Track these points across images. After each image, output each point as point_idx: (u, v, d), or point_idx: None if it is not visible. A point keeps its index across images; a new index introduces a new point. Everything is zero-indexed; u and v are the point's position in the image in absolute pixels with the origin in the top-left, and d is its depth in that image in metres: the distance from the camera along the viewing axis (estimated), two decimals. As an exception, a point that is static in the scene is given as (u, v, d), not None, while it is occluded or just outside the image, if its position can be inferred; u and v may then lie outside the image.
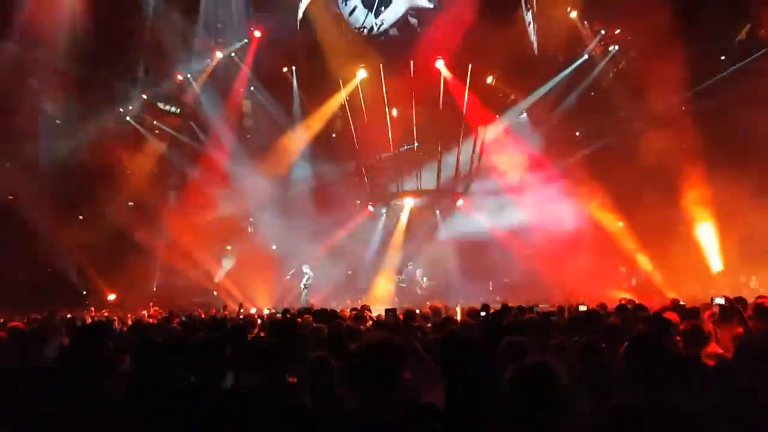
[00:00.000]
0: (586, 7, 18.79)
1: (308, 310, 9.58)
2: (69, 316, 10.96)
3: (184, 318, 9.78)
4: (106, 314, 13.95)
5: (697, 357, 3.96)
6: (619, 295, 13.57)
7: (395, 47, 19.32)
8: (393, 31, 19.83)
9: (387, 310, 7.47)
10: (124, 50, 18.17)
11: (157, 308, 15.39)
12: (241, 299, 17.81)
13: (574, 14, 19.12)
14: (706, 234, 16.52)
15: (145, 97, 20.18)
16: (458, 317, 8.60)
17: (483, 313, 7.89)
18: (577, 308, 8.60)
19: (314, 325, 5.78)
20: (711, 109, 15.70)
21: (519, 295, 16.09)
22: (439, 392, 3.13)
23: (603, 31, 19.41)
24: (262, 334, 6.84)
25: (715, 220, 16.17)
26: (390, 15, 19.48)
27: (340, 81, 20.41)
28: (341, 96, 20.83)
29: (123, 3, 18.05)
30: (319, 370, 3.67)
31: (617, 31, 19.23)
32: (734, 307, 6.39)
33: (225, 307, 14.73)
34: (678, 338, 4.82)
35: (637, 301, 9.30)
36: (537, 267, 18.11)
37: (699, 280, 15.86)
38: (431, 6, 19.20)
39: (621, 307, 7.67)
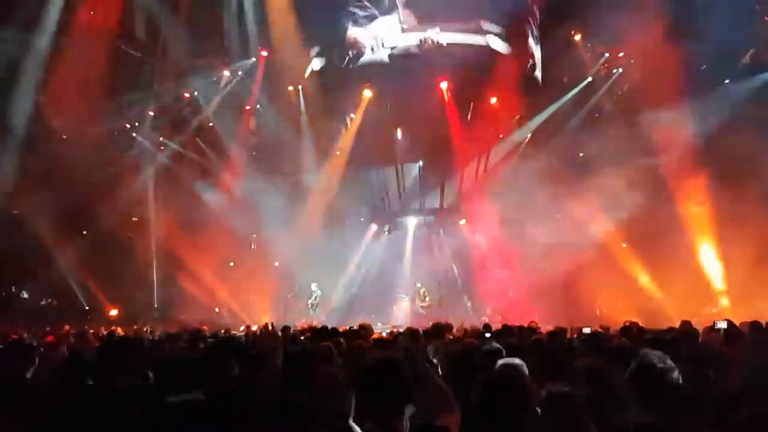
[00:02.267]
0: (589, 30, 18.95)
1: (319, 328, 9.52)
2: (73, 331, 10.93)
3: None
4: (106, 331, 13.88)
5: (702, 376, 3.94)
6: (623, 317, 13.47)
7: (401, 68, 19.43)
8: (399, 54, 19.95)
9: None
10: (132, 66, 18.33)
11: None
12: (242, 316, 17.81)
13: (578, 37, 19.32)
14: (710, 256, 16.46)
15: (152, 113, 20.32)
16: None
17: (488, 335, 7.84)
18: (581, 330, 8.56)
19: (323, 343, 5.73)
20: (715, 131, 15.74)
21: (522, 315, 16.02)
22: (455, 419, 3.14)
23: (607, 54, 19.57)
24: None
25: (719, 242, 16.13)
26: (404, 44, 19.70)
27: (347, 100, 20.60)
28: (347, 116, 21.03)
29: (131, 19, 18.27)
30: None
31: (621, 54, 19.39)
32: (738, 331, 6.38)
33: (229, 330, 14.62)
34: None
35: (641, 323, 9.22)
36: (540, 287, 18.04)
37: (703, 302, 15.77)
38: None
39: (626, 330, 7.63)
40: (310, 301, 19.51)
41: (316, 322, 16.47)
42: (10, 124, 16.69)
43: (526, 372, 3.77)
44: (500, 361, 3.95)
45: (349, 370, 4.08)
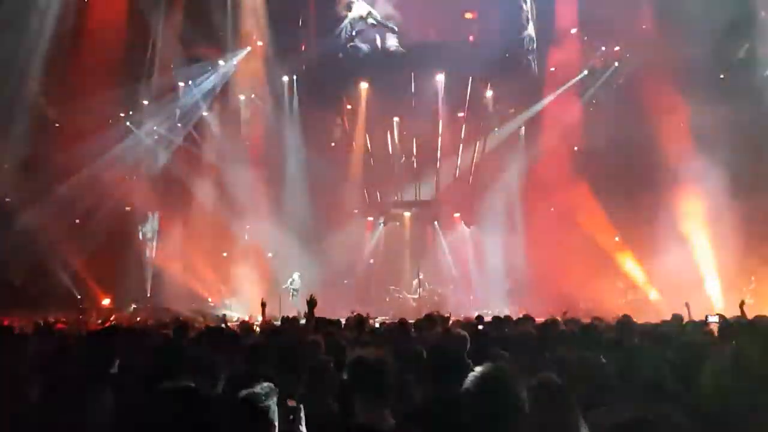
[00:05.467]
0: (586, 23, 18.93)
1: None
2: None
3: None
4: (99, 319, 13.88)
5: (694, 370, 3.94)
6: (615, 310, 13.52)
7: (397, 61, 19.39)
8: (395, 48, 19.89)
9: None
10: (126, 55, 18.22)
11: None
12: (234, 306, 17.76)
13: (573, 30, 19.30)
14: (702, 249, 16.52)
15: (145, 102, 20.22)
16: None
17: (480, 327, 7.84)
18: (573, 321, 8.54)
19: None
20: (709, 125, 15.76)
21: (515, 306, 16.14)
22: None
23: (603, 48, 19.57)
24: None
25: (712, 235, 16.18)
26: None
27: (342, 92, 20.58)
28: (342, 107, 21.03)
29: (126, 10, 18.17)
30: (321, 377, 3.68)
31: (617, 48, 19.40)
32: (730, 325, 6.39)
33: (224, 316, 14.59)
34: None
35: (632, 317, 9.22)
36: (534, 279, 18.11)
37: (695, 296, 15.82)
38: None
39: (619, 323, 7.63)
40: (291, 289, 19.47)
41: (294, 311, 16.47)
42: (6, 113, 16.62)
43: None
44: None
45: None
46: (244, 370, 4.22)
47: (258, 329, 8.69)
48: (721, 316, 8.50)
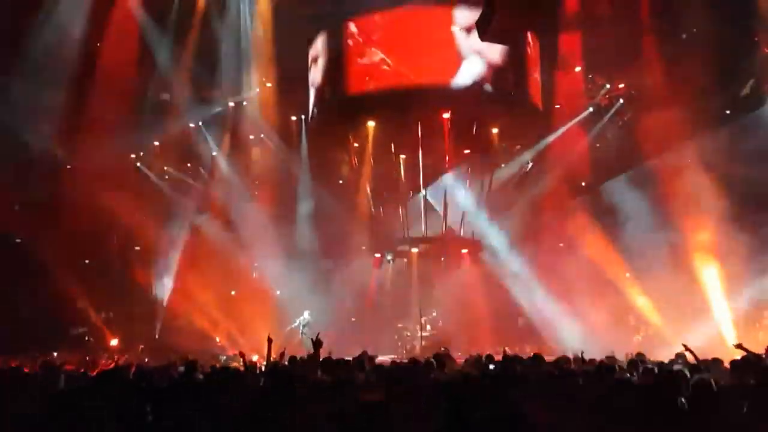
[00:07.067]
0: (590, 61, 19.14)
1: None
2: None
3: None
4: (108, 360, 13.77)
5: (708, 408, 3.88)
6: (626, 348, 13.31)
7: (403, 99, 19.52)
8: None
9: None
10: (135, 96, 18.55)
11: None
12: (244, 347, 17.60)
13: (578, 69, 19.53)
14: (714, 284, 16.33)
15: (156, 143, 20.48)
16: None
17: (492, 366, 7.74)
18: (585, 361, 8.42)
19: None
20: (715, 161, 15.78)
21: (524, 345, 15.94)
22: None
23: (608, 85, 19.77)
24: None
25: (723, 270, 16.01)
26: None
27: (349, 131, 20.79)
28: (350, 145, 21.22)
29: (134, 50, 18.57)
30: None
31: (621, 86, 19.58)
32: (747, 363, 6.30)
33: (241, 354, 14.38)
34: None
35: (645, 355, 9.09)
36: (544, 317, 17.92)
37: (707, 333, 15.60)
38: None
39: (632, 362, 7.54)
40: (302, 327, 19.30)
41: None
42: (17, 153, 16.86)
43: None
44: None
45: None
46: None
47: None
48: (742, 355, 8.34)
